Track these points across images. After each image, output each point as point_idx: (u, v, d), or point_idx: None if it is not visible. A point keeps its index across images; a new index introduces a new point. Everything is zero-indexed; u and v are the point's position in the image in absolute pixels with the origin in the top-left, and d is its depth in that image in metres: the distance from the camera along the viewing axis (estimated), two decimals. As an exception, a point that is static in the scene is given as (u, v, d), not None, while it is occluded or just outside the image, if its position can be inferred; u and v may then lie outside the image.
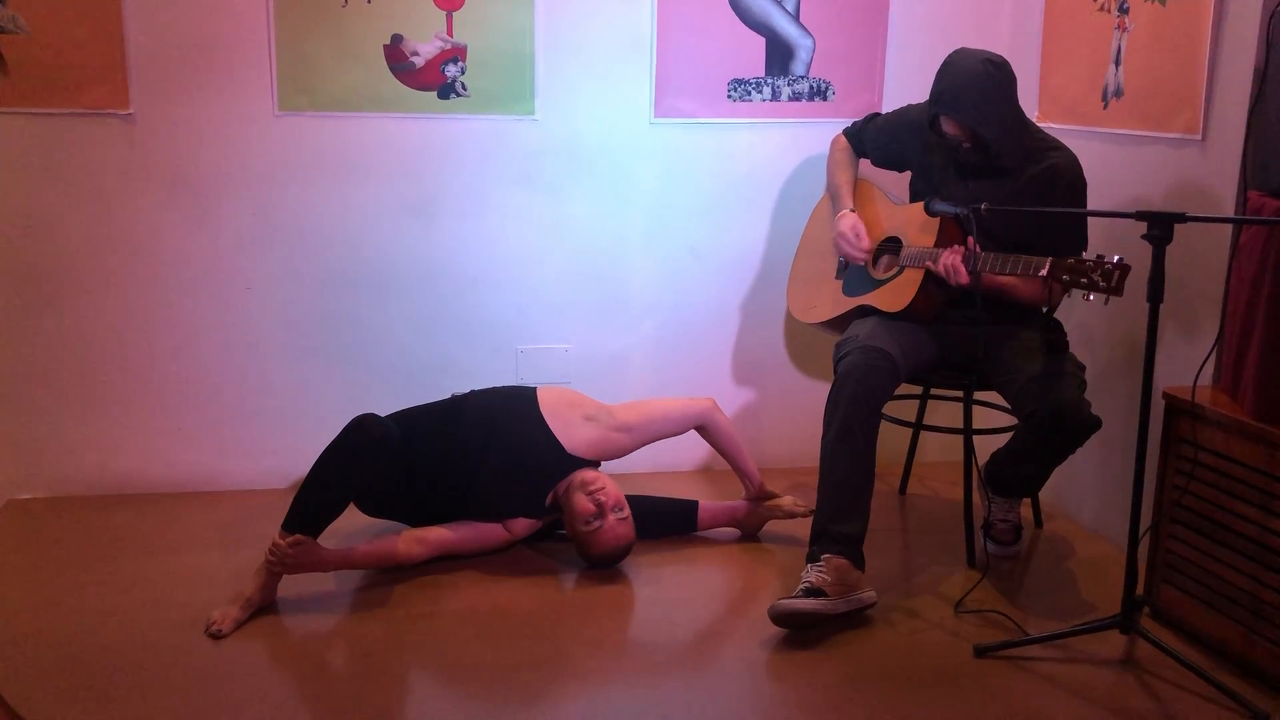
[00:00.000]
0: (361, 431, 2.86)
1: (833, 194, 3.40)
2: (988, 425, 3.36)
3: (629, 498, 3.16)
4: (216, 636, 2.68)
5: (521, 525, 3.14)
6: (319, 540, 2.83)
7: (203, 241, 3.50)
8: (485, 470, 3.05)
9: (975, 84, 2.89)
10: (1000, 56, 2.96)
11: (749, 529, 3.35)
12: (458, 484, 3.06)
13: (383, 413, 3.04)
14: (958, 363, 3.10)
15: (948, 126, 2.99)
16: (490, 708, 2.44)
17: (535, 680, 2.57)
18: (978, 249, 2.84)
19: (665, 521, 3.31)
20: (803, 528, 3.15)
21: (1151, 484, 2.78)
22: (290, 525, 2.79)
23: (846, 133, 3.46)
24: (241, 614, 2.75)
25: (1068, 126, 3.40)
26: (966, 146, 2.99)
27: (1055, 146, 3.04)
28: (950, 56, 2.98)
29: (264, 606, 2.81)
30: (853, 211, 3.27)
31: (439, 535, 3.05)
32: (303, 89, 3.45)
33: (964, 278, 2.86)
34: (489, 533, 3.10)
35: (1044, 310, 3.11)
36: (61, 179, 3.39)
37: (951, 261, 2.88)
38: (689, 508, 3.33)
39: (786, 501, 3.32)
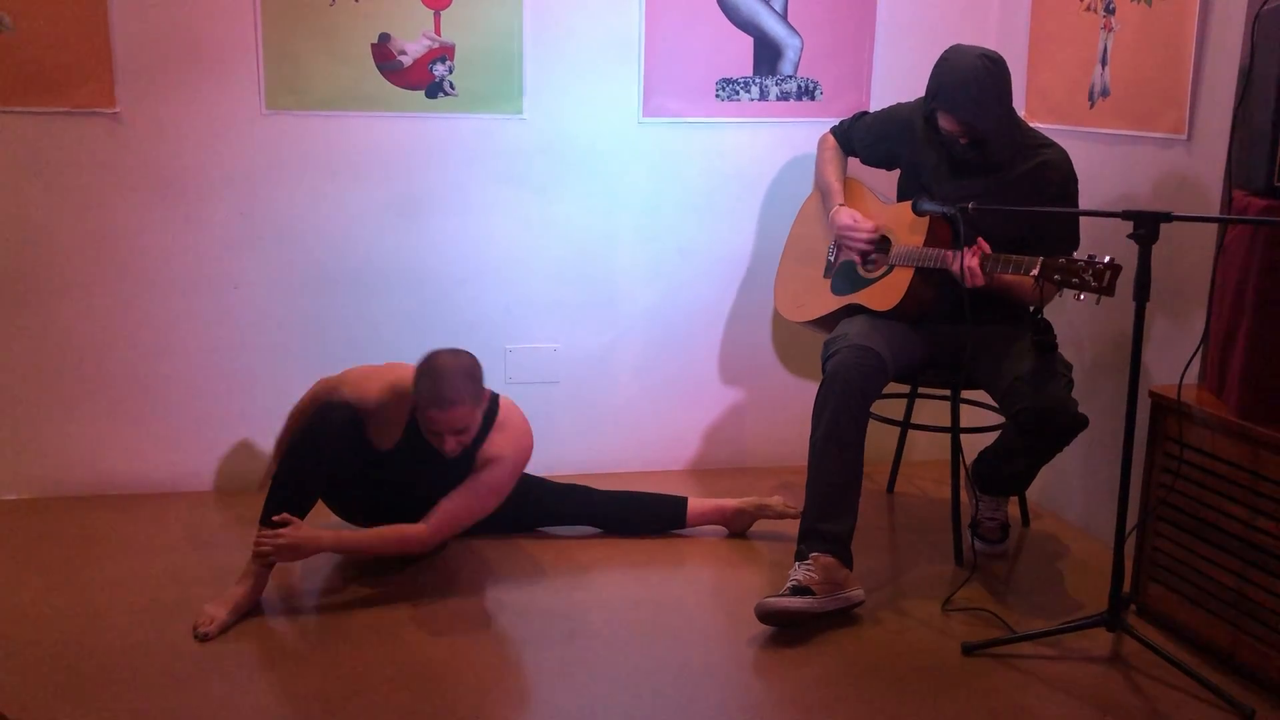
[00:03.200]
0: (322, 415, 2.86)
1: (823, 191, 3.40)
2: (975, 424, 3.37)
3: (619, 493, 3.27)
4: (203, 639, 2.67)
5: (502, 476, 2.97)
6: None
7: (189, 240, 3.49)
8: (423, 484, 2.97)
9: (973, 79, 2.90)
10: (996, 53, 2.97)
11: (737, 528, 3.35)
12: (412, 488, 3.01)
13: None
14: (946, 362, 3.11)
15: (945, 122, 2.99)
16: (478, 706, 2.44)
17: (520, 681, 2.57)
18: (972, 250, 2.85)
19: (653, 515, 3.32)
20: (791, 526, 3.15)
21: (1138, 482, 2.79)
22: (269, 516, 2.79)
23: (834, 131, 3.46)
24: (229, 617, 2.73)
25: (1054, 126, 3.41)
26: (963, 142, 3.00)
27: (1046, 144, 3.05)
28: (947, 52, 2.99)
29: (251, 609, 2.80)
30: (843, 206, 3.28)
31: (443, 507, 2.91)
32: (290, 88, 3.44)
33: (980, 280, 2.87)
34: (485, 495, 2.96)
35: (1032, 310, 3.12)
36: (47, 178, 3.37)
37: (971, 265, 2.86)
38: (678, 504, 3.34)
39: (776, 501, 3.32)
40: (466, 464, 2.95)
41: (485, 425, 2.96)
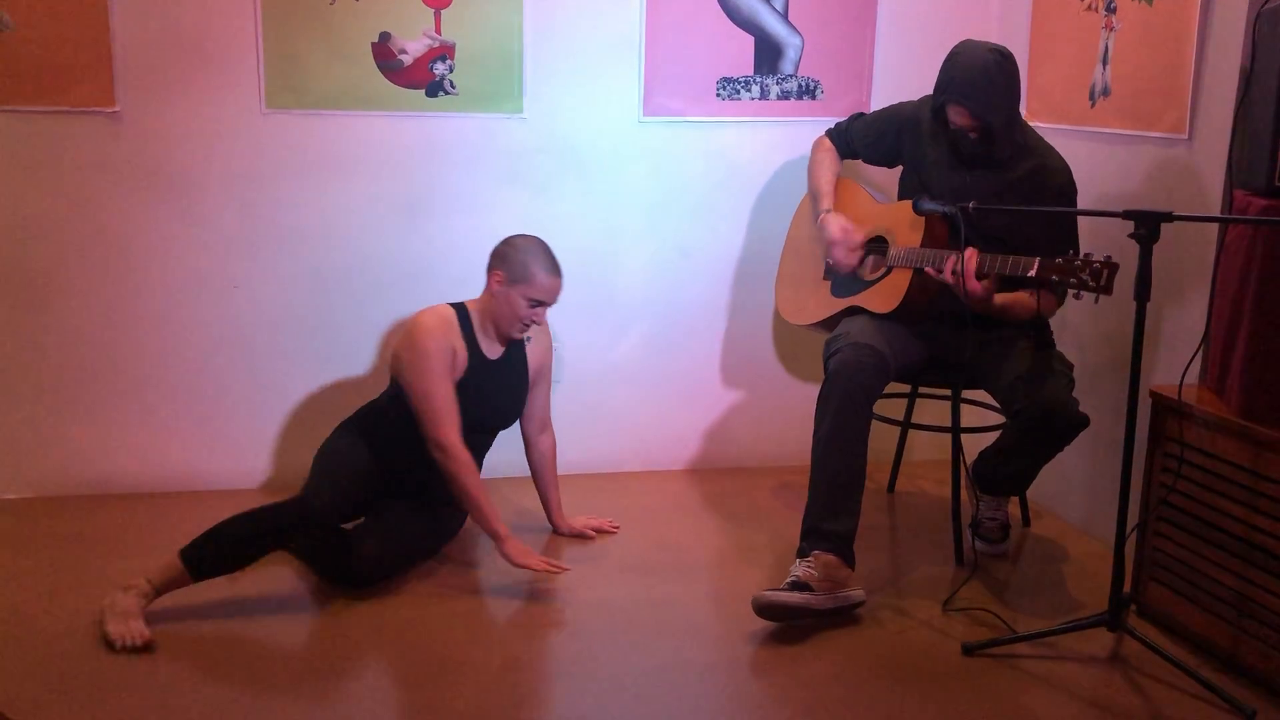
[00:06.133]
0: (302, 509, 2.83)
1: (813, 194, 3.39)
2: (976, 424, 3.37)
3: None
4: (144, 648, 2.59)
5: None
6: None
7: (189, 240, 3.49)
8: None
9: (985, 73, 2.90)
10: (1005, 48, 2.96)
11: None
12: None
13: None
14: (946, 362, 3.11)
15: (955, 116, 2.98)
16: (475, 709, 2.44)
17: (520, 681, 2.57)
18: (963, 256, 2.85)
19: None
20: (795, 525, 3.16)
21: (1139, 482, 2.79)
22: (194, 559, 2.72)
23: (830, 133, 3.45)
24: (138, 622, 2.63)
25: (1055, 125, 3.41)
26: (973, 136, 2.99)
27: (1048, 149, 3.06)
28: (957, 47, 2.98)
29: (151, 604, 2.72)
30: (831, 211, 3.26)
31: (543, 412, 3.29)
32: (290, 87, 3.44)
33: (975, 285, 2.85)
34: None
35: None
36: (47, 177, 3.37)
37: (969, 270, 2.83)
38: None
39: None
40: (522, 364, 3.20)
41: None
